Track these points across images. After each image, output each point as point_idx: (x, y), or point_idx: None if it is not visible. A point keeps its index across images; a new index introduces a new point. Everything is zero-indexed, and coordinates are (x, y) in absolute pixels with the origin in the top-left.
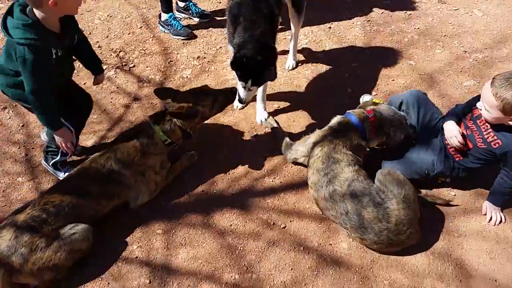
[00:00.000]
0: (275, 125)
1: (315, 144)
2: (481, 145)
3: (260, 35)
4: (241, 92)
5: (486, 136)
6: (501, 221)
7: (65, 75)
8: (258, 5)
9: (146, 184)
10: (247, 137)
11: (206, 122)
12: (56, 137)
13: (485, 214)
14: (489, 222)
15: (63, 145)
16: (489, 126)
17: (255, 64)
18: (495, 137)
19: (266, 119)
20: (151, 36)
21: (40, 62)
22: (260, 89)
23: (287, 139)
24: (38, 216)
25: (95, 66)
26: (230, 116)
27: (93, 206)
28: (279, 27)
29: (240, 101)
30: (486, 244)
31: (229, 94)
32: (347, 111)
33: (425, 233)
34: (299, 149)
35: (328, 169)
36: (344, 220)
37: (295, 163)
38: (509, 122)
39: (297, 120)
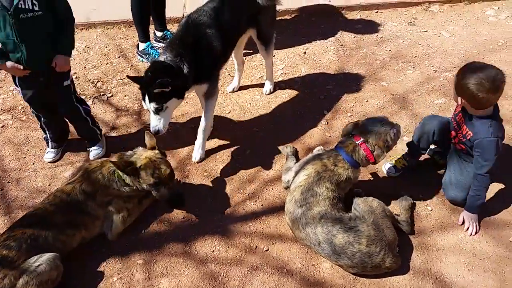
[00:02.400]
0: (290, 154)
1: (301, 170)
2: (462, 139)
3: (172, 58)
4: (151, 120)
5: (463, 131)
6: (477, 232)
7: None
8: (188, 35)
9: (117, 212)
10: (227, 161)
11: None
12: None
13: (463, 224)
14: (466, 231)
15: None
16: (463, 120)
17: (146, 79)
18: (467, 129)
19: (201, 159)
20: (129, 65)
21: None
22: (201, 127)
23: (289, 162)
24: None
25: (60, 41)
26: (211, 142)
27: (59, 237)
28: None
29: (154, 131)
30: (463, 257)
31: (174, 195)
32: (337, 145)
33: (404, 249)
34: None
35: (304, 201)
36: (317, 250)
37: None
38: (460, 103)
39: (274, 142)
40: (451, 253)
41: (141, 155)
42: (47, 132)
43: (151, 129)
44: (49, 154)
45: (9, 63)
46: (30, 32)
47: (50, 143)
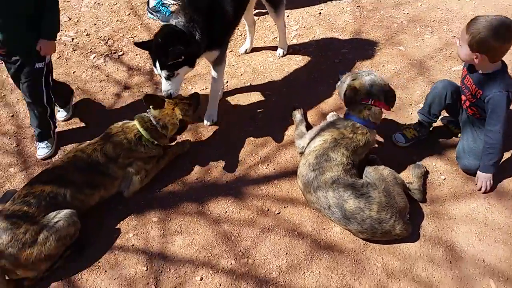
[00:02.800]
0: (299, 118)
1: (317, 136)
2: (473, 100)
3: (184, 23)
4: (163, 84)
5: (473, 91)
6: (490, 190)
7: None
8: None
9: (136, 173)
10: (240, 125)
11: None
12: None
13: (479, 190)
14: (479, 190)
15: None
16: (472, 80)
17: (157, 46)
18: (477, 88)
19: (214, 122)
20: (140, 23)
21: None
22: (212, 91)
23: (301, 127)
24: (19, 210)
25: (42, 24)
26: (223, 105)
27: (77, 196)
28: None
29: (166, 95)
30: (475, 227)
31: (198, 98)
32: (349, 114)
33: (416, 217)
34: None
35: (317, 166)
36: (327, 213)
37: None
38: (475, 60)
39: (287, 106)
40: (462, 222)
41: (161, 112)
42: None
43: (163, 93)
44: (40, 150)
45: None
46: (5, 12)
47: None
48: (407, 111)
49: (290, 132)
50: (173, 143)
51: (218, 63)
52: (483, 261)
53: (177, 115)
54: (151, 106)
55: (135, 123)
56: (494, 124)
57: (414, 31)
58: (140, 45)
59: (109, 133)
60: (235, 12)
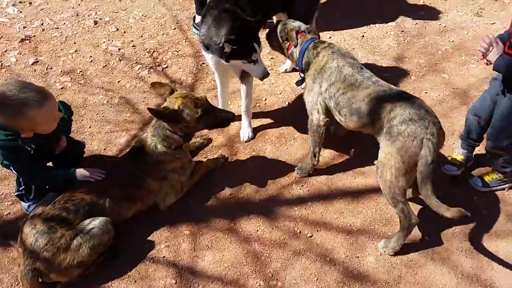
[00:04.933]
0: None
1: None
2: None
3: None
4: (260, 63)
5: None
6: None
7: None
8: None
9: (171, 186)
10: (276, 144)
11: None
12: (83, 177)
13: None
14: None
15: (93, 176)
16: None
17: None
18: None
19: (249, 138)
20: (184, 38)
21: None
22: (243, 108)
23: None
24: (58, 215)
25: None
26: (261, 121)
27: (114, 208)
28: None
29: (267, 74)
30: None
31: (223, 116)
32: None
33: (454, 252)
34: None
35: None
36: None
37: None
38: None
39: None
40: (503, 261)
41: (170, 101)
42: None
43: (262, 74)
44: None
45: None
46: None
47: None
48: (449, 141)
49: (326, 154)
50: (208, 159)
51: (248, 78)
52: None
53: (175, 104)
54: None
55: (147, 133)
56: None
57: (459, 59)
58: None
59: (136, 148)
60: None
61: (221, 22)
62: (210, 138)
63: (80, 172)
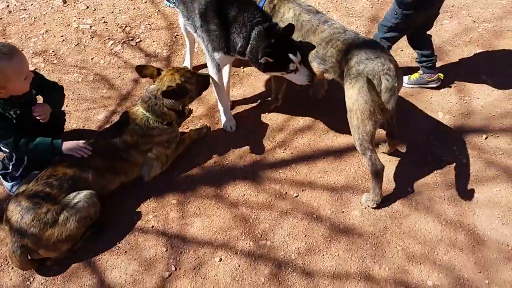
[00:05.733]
0: None
1: None
2: None
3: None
4: (303, 70)
5: None
6: None
7: (37, 124)
8: None
9: (156, 158)
10: (257, 110)
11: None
12: (69, 151)
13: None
14: None
15: (79, 151)
16: None
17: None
18: None
19: (232, 129)
20: (156, 10)
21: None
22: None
23: None
24: (41, 190)
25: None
26: (240, 89)
27: (98, 181)
28: None
29: (311, 80)
30: (497, 210)
31: (207, 78)
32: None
33: (436, 200)
34: None
35: None
36: None
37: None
38: None
39: (303, 91)
40: (484, 206)
41: (160, 81)
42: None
43: (306, 82)
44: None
45: None
46: None
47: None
48: (427, 95)
49: (306, 117)
50: (190, 129)
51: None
52: (507, 245)
53: (176, 79)
54: (152, 83)
55: (139, 106)
56: None
57: None
58: None
59: (124, 120)
60: None
61: (260, 37)
62: (191, 109)
63: (67, 145)
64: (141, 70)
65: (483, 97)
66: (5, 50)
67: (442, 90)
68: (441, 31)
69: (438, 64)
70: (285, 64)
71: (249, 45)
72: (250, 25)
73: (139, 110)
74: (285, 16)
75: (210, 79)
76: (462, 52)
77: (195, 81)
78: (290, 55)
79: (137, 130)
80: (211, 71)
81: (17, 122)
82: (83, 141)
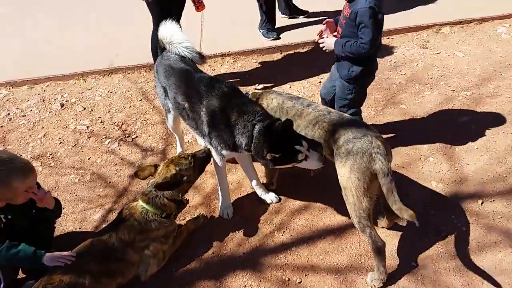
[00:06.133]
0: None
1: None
2: (343, 21)
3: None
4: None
5: (344, 13)
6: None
7: (27, 229)
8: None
9: (153, 255)
10: (251, 194)
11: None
12: (52, 263)
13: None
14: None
15: (62, 260)
16: (348, 5)
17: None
18: (349, 9)
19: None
20: (151, 107)
21: None
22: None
23: None
24: None
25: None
26: (234, 175)
27: (94, 286)
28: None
29: (323, 163)
30: (505, 277)
31: (204, 154)
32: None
33: (442, 273)
34: None
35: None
36: None
37: None
38: None
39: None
40: (492, 274)
41: (162, 173)
42: None
43: (317, 166)
44: None
45: None
46: None
47: None
48: (417, 165)
49: (302, 197)
50: (187, 220)
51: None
52: None
53: (171, 170)
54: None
55: (138, 200)
56: (361, 37)
57: (413, 90)
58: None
59: (121, 217)
60: None
61: (261, 135)
62: (187, 199)
63: (49, 256)
64: (139, 174)
65: (473, 163)
66: (24, 170)
67: (431, 159)
68: (423, 103)
69: (424, 133)
70: (292, 156)
71: (253, 143)
72: (251, 125)
73: (138, 204)
74: (270, 106)
75: (212, 159)
76: (447, 120)
77: (190, 165)
78: (297, 147)
79: (135, 225)
80: (216, 159)
81: (5, 227)
82: (67, 252)
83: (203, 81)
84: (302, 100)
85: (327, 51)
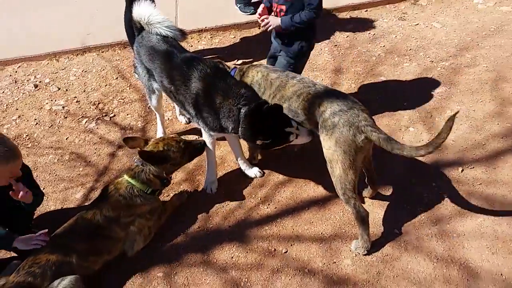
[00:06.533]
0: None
1: None
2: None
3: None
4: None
5: None
6: (268, 25)
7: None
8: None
9: (139, 231)
10: (235, 168)
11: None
12: (22, 247)
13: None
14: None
15: (33, 244)
16: None
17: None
18: None
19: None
20: (128, 85)
21: None
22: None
23: None
24: (23, 281)
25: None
26: (217, 151)
27: (82, 264)
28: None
29: (312, 136)
30: (485, 241)
31: (198, 145)
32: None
33: (424, 239)
34: None
35: None
36: None
37: None
38: None
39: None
40: (472, 238)
41: (152, 147)
42: None
43: (308, 137)
44: None
45: None
46: None
47: None
48: (398, 136)
49: (287, 170)
50: (172, 196)
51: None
52: (501, 275)
53: (159, 147)
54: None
55: (124, 176)
56: (310, 3)
57: (392, 61)
58: None
59: (105, 194)
60: None
61: (247, 120)
62: (171, 176)
63: (20, 239)
64: (128, 141)
65: (452, 131)
66: (7, 154)
67: (412, 129)
68: (402, 74)
69: (404, 104)
70: (284, 139)
71: (240, 127)
72: (236, 109)
73: (124, 179)
74: (255, 79)
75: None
76: (426, 91)
77: (179, 149)
78: (287, 129)
79: (120, 200)
80: (205, 138)
81: None
82: (40, 232)
83: (187, 63)
84: (288, 72)
85: (270, 29)
